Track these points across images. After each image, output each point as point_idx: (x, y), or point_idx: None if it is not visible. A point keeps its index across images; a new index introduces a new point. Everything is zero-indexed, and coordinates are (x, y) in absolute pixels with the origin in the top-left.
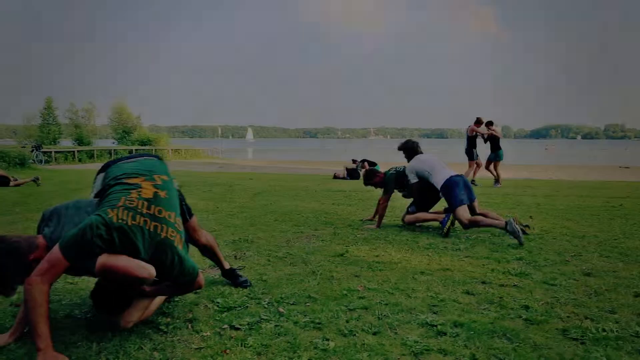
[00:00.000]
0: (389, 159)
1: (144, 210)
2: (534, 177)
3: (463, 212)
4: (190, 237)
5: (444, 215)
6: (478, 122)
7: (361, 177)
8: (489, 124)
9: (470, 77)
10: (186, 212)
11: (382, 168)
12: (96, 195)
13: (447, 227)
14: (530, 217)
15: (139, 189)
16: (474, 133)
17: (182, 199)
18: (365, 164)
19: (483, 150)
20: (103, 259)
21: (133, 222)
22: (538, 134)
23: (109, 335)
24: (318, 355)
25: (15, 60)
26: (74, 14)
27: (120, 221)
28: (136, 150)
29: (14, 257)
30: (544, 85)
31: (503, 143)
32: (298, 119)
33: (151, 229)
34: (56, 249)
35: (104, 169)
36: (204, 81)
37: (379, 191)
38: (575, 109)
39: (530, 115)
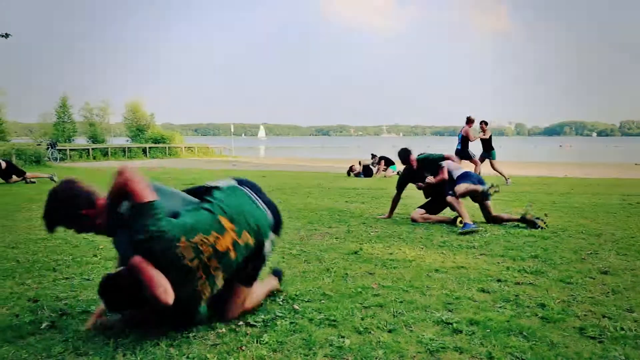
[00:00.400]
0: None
1: (204, 259)
2: (549, 175)
3: (464, 188)
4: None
5: (450, 217)
6: (469, 121)
7: (374, 174)
8: (484, 123)
9: (483, 74)
10: (245, 280)
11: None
12: (197, 191)
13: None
14: (546, 214)
15: (219, 237)
16: (467, 134)
17: (256, 267)
18: (382, 162)
19: (477, 150)
20: (140, 259)
21: (188, 263)
22: (552, 132)
23: (126, 331)
24: (333, 352)
25: (29, 60)
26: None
27: (181, 255)
28: (149, 148)
29: (65, 205)
30: (558, 82)
31: (517, 141)
32: (311, 117)
33: (196, 276)
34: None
35: (239, 183)
36: (217, 79)
37: (392, 189)
38: (589, 106)
39: (544, 113)
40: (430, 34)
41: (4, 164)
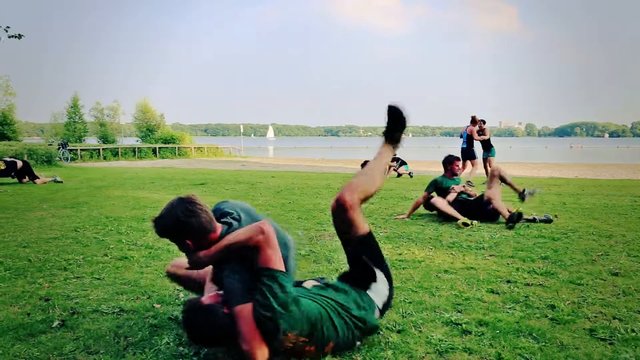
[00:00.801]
0: (412, 157)
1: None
2: (560, 176)
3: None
4: None
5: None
6: (473, 121)
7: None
8: (482, 122)
9: (492, 74)
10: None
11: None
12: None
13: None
14: (555, 215)
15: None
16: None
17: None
18: (394, 161)
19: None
20: (249, 312)
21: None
22: (563, 132)
23: (136, 330)
24: (343, 352)
25: (40, 61)
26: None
27: (279, 342)
28: (159, 148)
29: (196, 227)
30: (568, 82)
31: (527, 141)
32: (319, 117)
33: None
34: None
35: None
36: (226, 79)
37: (401, 189)
38: (601, 106)
39: (555, 113)
40: (438, 33)
41: (20, 164)
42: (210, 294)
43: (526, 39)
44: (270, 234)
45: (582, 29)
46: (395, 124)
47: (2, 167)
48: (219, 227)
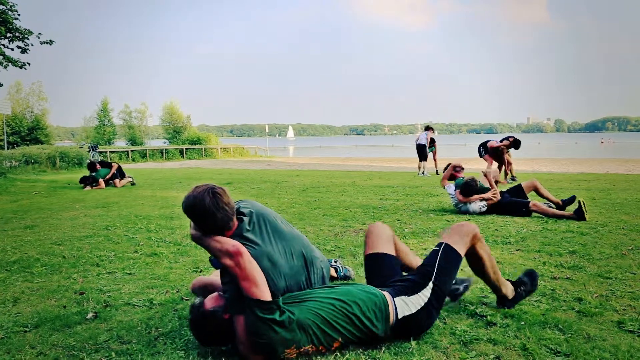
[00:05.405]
0: (439, 155)
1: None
2: (590, 171)
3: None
4: None
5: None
6: (429, 128)
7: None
8: (431, 130)
9: (519, 69)
10: None
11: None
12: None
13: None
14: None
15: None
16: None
17: None
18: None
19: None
20: (243, 326)
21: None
22: (594, 127)
23: (166, 321)
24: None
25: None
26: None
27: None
28: (186, 149)
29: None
30: (598, 76)
31: (556, 137)
32: (344, 116)
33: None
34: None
35: None
36: (252, 79)
37: (427, 186)
38: (633, 100)
39: (584, 108)
40: (464, 28)
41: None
42: (212, 295)
43: (555, 30)
44: (242, 262)
45: (614, 19)
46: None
47: (115, 170)
48: (236, 224)
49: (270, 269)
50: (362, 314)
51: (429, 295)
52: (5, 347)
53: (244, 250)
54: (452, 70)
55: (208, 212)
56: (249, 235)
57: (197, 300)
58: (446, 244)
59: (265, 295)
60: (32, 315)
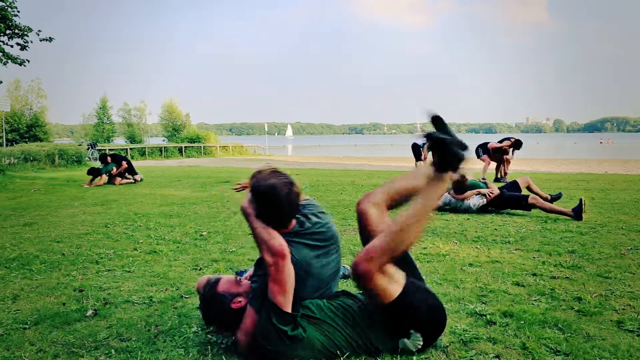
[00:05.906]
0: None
1: None
2: (588, 171)
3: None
4: None
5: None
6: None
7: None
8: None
9: (519, 69)
10: None
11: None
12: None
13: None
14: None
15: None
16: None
17: None
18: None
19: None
20: (252, 320)
21: None
22: (593, 127)
23: (165, 319)
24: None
25: (71, 64)
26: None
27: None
28: (185, 147)
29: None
30: (598, 76)
31: (555, 137)
32: (343, 115)
33: None
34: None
35: None
36: (251, 79)
37: None
38: (633, 101)
39: (583, 108)
40: (464, 28)
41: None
42: (229, 278)
43: (555, 31)
44: (281, 266)
45: (613, 19)
46: (448, 144)
47: (125, 166)
48: (293, 224)
49: (303, 279)
50: (372, 345)
51: (420, 340)
52: (5, 344)
53: (288, 254)
54: (452, 70)
55: (278, 205)
56: (299, 239)
57: (214, 278)
58: (387, 305)
59: (287, 306)
60: (31, 312)
